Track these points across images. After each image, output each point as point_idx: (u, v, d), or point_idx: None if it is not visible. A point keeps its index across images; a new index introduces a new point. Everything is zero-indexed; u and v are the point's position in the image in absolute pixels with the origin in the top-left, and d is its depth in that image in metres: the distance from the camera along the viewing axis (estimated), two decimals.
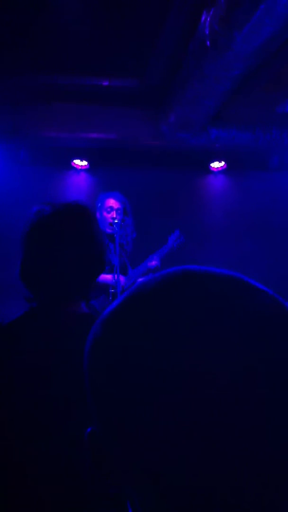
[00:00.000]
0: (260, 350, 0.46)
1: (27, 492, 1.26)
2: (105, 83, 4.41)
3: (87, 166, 5.63)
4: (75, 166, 5.63)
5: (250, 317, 0.48)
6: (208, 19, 3.02)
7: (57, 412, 1.25)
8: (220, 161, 5.73)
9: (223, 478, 0.45)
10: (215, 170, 5.84)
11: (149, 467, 0.47)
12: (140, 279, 4.07)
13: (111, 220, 4.09)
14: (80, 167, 5.65)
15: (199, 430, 0.44)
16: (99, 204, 4.27)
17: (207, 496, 0.45)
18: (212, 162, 5.75)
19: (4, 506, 1.28)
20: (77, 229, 1.46)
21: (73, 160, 5.58)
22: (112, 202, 4.21)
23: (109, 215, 4.16)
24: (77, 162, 5.60)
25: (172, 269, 0.53)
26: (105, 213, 4.18)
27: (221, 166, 5.78)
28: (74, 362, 1.23)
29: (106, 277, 3.91)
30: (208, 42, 3.09)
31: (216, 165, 5.77)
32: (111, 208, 4.18)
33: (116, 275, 3.85)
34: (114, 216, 4.13)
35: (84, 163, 5.61)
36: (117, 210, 4.17)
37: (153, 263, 4.16)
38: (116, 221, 4.05)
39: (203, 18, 3.12)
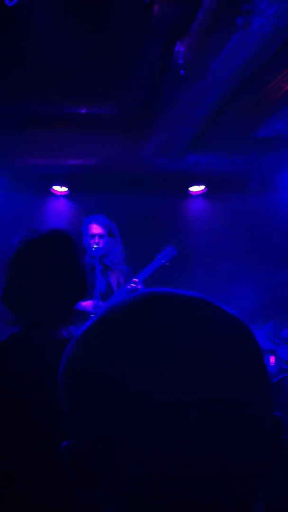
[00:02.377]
0: (220, 368, 0.50)
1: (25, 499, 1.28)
2: (83, 111, 4.48)
3: (67, 192, 5.66)
4: (54, 192, 5.65)
5: (212, 337, 0.52)
6: (182, 49, 3.11)
7: (38, 436, 1.27)
8: (199, 185, 5.80)
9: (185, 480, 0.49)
10: (194, 194, 5.90)
11: (123, 473, 0.50)
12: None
13: (93, 245, 4.15)
14: (59, 193, 5.67)
15: (163, 442, 0.48)
16: (83, 229, 4.32)
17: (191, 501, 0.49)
18: (191, 186, 5.81)
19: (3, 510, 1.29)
20: (61, 256, 1.50)
21: (52, 186, 5.60)
22: (94, 228, 4.26)
23: (92, 241, 4.21)
24: (57, 188, 5.62)
25: (141, 292, 0.57)
26: (88, 239, 4.24)
27: (201, 190, 5.85)
28: (53, 386, 1.25)
29: (86, 303, 3.94)
30: (182, 71, 3.17)
31: (195, 189, 5.84)
32: (94, 235, 4.23)
33: (97, 300, 3.88)
34: (97, 241, 4.18)
35: (64, 189, 5.63)
36: (99, 236, 4.22)
37: (131, 285, 4.16)
38: (95, 246, 4.10)
39: (177, 48, 3.20)
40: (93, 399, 0.51)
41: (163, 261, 4.32)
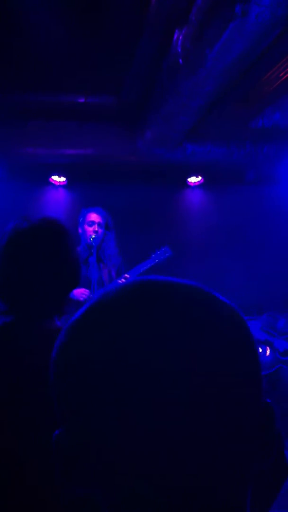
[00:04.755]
0: (213, 356, 0.50)
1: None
2: (82, 100, 4.46)
3: (65, 182, 5.66)
4: (53, 182, 5.65)
5: (205, 324, 0.51)
6: (181, 37, 3.09)
7: (31, 427, 1.27)
8: (197, 176, 5.80)
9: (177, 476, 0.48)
10: (192, 184, 5.90)
11: (112, 465, 0.50)
12: None
13: (92, 233, 4.16)
14: (58, 183, 5.67)
15: (153, 429, 0.48)
16: (81, 219, 4.34)
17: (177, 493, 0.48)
18: (189, 177, 5.81)
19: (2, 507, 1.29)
20: (53, 244, 1.49)
21: (51, 176, 5.60)
22: (94, 217, 4.29)
23: (91, 228, 4.22)
24: (55, 178, 5.62)
25: (133, 280, 0.56)
26: (86, 227, 4.25)
27: (198, 181, 5.85)
28: (46, 376, 1.25)
29: (79, 291, 3.95)
30: (180, 60, 3.15)
31: (193, 179, 5.84)
32: (93, 222, 4.25)
33: (92, 290, 3.89)
34: (96, 229, 4.20)
35: (62, 179, 5.63)
36: (98, 224, 4.24)
37: (123, 280, 4.19)
38: (93, 236, 4.12)
39: (175, 36, 3.18)
40: (81, 389, 0.51)
41: (156, 260, 4.37)
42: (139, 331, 0.50)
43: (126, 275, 4.22)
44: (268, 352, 4.56)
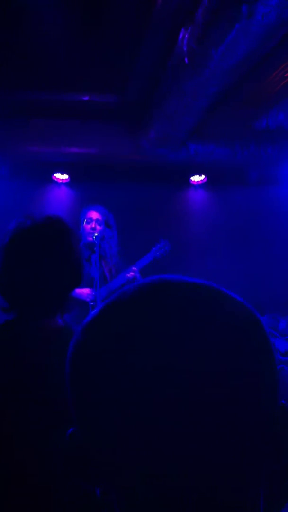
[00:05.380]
0: (228, 356, 0.50)
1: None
2: (86, 98, 4.46)
3: (68, 180, 5.65)
4: (56, 179, 5.65)
5: (221, 324, 0.51)
6: (186, 37, 3.08)
7: (29, 423, 1.27)
8: (200, 175, 5.79)
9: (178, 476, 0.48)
10: (195, 183, 5.89)
11: (123, 463, 0.50)
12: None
13: (90, 230, 4.16)
14: (61, 181, 5.66)
15: (171, 429, 0.48)
16: (82, 218, 4.34)
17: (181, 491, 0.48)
18: (192, 176, 5.81)
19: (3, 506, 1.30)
20: (56, 243, 1.49)
21: (53, 174, 5.60)
22: (92, 214, 4.29)
23: (89, 226, 4.22)
24: (58, 175, 5.62)
25: (150, 278, 0.56)
26: (85, 224, 4.26)
27: (201, 180, 5.84)
28: (48, 374, 1.25)
29: (82, 291, 3.95)
30: (186, 60, 3.14)
31: (196, 178, 5.83)
32: (91, 219, 4.25)
33: (95, 288, 3.89)
34: (94, 226, 4.20)
35: (65, 176, 5.62)
36: (96, 220, 4.24)
37: (131, 274, 4.20)
38: (96, 234, 4.11)
39: (181, 35, 3.18)
40: (99, 388, 0.51)
41: (157, 254, 4.41)
42: (156, 330, 0.50)
43: (134, 268, 4.25)
44: None
